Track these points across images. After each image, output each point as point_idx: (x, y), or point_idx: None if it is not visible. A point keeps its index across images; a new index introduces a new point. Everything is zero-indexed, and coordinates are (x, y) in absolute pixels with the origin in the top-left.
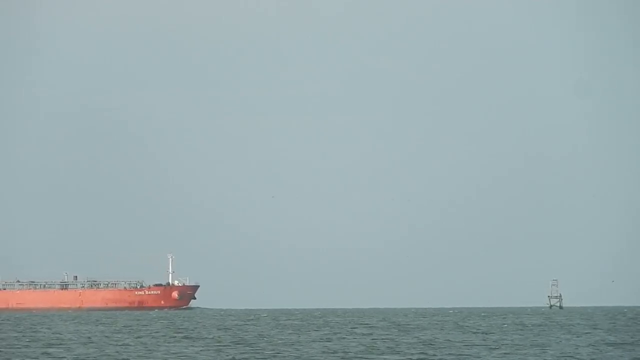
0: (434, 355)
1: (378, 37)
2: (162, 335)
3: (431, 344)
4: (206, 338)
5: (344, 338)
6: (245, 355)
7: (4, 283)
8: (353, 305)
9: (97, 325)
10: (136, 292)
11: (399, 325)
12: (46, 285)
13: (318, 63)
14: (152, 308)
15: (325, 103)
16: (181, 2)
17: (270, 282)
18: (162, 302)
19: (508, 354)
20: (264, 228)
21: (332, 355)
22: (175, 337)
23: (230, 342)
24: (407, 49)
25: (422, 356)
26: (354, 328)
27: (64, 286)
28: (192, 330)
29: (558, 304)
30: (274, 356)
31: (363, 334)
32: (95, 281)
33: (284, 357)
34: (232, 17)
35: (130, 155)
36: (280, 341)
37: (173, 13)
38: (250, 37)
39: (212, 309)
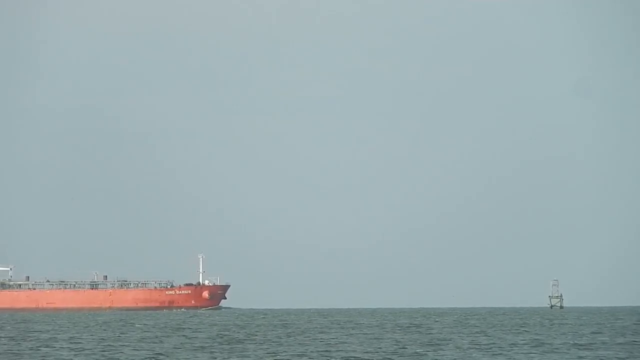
0: None
1: (378, 38)
2: None
3: None
4: None
5: None
6: None
7: (33, 283)
8: (365, 305)
9: None
10: (166, 292)
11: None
12: (76, 285)
13: (319, 64)
14: (182, 308)
15: (326, 104)
16: (186, 3)
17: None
18: (193, 301)
19: None
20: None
21: None
22: None
23: None
24: (408, 49)
25: None
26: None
27: (94, 286)
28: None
29: (559, 304)
30: None
31: None
32: (126, 281)
33: None
34: (237, 18)
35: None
36: None
37: (179, 14)
38: (255, 38)
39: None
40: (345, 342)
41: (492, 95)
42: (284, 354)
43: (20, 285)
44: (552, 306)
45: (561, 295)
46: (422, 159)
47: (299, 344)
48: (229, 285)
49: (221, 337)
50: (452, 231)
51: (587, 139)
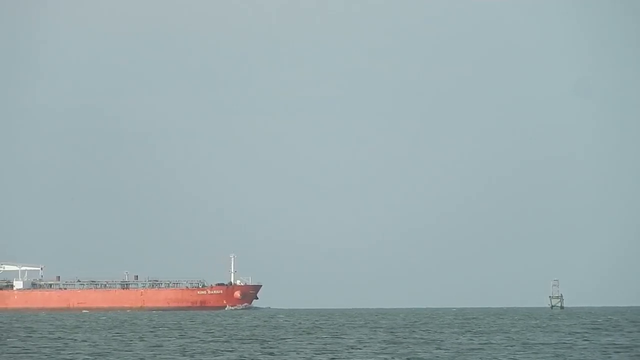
0: None
1: (378, 38)
2: None
3: None
4: None
5: None
6: None
7: (64, 282)
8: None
9: None
10: (198, 292)
11: None
12: (107, 285)
13: (319, 64)
14: (214, 308)
15: (326, 104)
16: (186, 3)
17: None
18: (225, 301)
19: None
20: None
21: None
22: None
23: None
24: (408, 49)
25: None
26: None
27: (125, 286)
28: None
29: (559, 305)
30: None
31: None
32: (157, 280)
33: None
34: (237, 18)
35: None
36: None
37: (179, 14)
38: (254, 38)
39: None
40: None
41: (492, 95)
42: None
43: (51, 285)
44: (552, 306)
45: (561, 296)
46: (422, 159)
47: None
48: (261, 285)
49: None
50: (452, 231)
51: (587, 139)
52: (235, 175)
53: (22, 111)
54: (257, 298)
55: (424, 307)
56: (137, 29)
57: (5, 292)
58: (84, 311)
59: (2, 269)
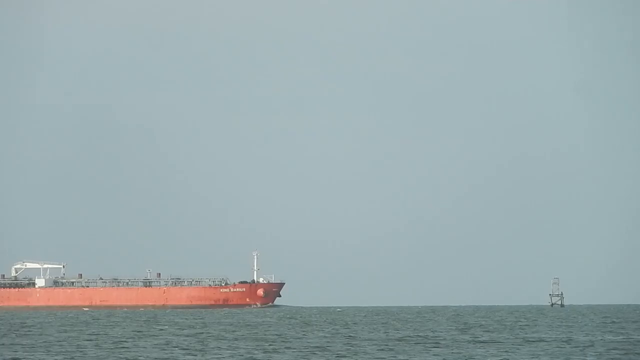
0: None
1: (378, 38)
2: None
3: None
4: None
5: None
6: None
7: (86, 280)
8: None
9: None
10: (221, 290)
11: None
12: (129, 283)
13: (319, 64)
14: (237, 306)
15: (326, 104)
16: (187, 3)
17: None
18: (248, 299)
19: None
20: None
21: None
22: None
23: None
24: (408, 49)
25: None
26: None
27: (147, 283)
28: None
29: (559, 302)
30: None
31: None
32: (179, 278)
33: None
34: (238, 18)
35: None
36: None
37: (180, 14)
38: (256, 38)
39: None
40: None
41: (492, 94)
42: None
43: (73, 282)
44: (552, 304)
45: (562, 293)
46: (423, 158)
47: None
48: (284, 283)
49: None
50: (452, 229)
51: (587, 138)
52: (246, 174)
53: (23, 109)
54: (280, 296)
55: (423, 305)
56: (141, 27)
57: (27, 290)
58: (85, 309)
59: (24, 266)
